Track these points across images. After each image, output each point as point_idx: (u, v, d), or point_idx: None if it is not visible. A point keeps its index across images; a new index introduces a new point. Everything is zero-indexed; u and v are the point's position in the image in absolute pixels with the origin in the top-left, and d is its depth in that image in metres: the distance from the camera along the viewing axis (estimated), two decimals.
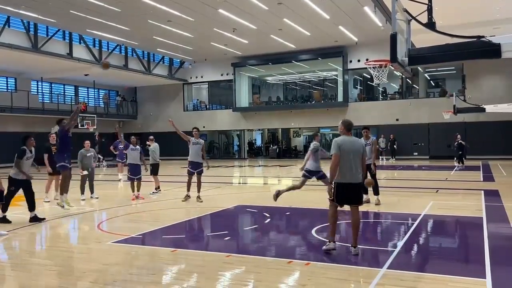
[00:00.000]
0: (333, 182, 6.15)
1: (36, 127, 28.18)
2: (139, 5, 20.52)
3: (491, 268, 5.43)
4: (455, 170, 20.49)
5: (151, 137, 14.22)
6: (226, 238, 7.47)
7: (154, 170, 13.42)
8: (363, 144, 6.41)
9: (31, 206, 9.04)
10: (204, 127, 29.52)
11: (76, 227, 9.01)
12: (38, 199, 11.91)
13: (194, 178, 11.48)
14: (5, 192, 8.68)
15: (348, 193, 6.14)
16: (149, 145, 13.78)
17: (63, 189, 9.83)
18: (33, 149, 9.24)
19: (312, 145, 9.64)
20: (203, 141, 11.68)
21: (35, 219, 8.98)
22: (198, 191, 11.42)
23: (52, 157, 11.76)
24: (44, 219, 9.12)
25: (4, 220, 8.86)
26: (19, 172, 8.89)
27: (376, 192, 10.49)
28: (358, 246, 6.15)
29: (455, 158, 23.26)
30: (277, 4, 20.68)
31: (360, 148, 6.24)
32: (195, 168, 11.45)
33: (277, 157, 34.61)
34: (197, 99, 38.12)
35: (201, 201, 11.17)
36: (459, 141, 22.65)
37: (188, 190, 11.50)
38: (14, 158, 8.93)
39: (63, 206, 9.57)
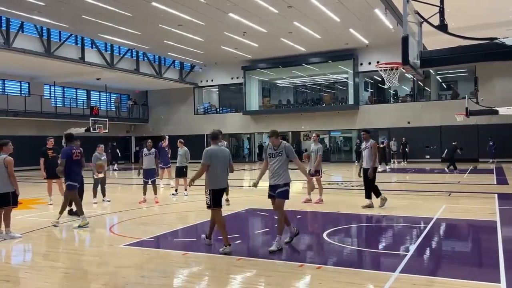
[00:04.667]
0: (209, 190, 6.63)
1: (48, 131, 28.49)
2: (150, 9, 20.69)
3: (506, 272, 5.35)
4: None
5: (181, 140, 14.01)
6: (237, 242, 7.46)
7: (182, 173, 13.57)
8: (229, 153, 6.94)
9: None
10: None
11: (88, 230, 9.07)
12: (43, 202, 12.09)
13: None
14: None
15: (220, 197, 6.77)
16: (179, 148, 13.79)
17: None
18: (81, 149, 9.46)
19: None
20: (226, 142, 11.48)
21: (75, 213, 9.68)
22: (227, 194, 11.24)
23: (47, 162, 11.76)
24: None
25: (74, 213, 9.80)
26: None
27: (378, 195, 10.33)
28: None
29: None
30: (287, 7, 20.69)
31: (227, 156, 6.84)
32: None
33: None
34: (208, 103, 38.28)
35: (228, 204, 11.08)
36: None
37: None
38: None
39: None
